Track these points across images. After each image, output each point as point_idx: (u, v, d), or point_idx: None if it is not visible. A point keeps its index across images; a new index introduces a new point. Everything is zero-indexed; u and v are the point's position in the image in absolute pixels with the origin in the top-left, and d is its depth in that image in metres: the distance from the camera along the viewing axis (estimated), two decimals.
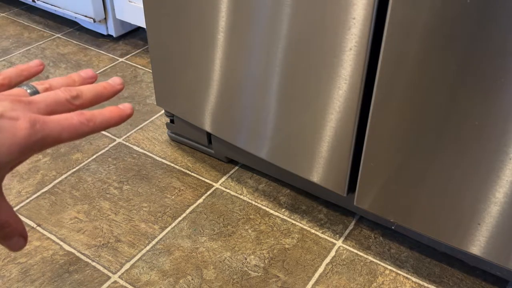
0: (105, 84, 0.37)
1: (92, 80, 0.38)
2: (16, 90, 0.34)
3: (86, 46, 1.53)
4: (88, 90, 0.35)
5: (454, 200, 0.71)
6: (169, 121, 1.12)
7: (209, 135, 1.06)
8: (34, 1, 1.58)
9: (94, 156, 1.10)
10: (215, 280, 0.84)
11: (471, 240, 0.73)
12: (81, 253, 0.89)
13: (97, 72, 1.40)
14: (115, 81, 0.37)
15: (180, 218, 0.96)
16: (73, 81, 0.37)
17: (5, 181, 1.03)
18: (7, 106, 0.30)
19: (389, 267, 0.87)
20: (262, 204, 0.99)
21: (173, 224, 0.95)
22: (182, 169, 1.07)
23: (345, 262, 0.88)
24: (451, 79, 0.63)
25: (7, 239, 0.33)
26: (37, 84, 0.35)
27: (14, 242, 0.33)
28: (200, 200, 1.00)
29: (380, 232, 0.94)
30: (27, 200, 0.99)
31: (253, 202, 0.99)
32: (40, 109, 0.32)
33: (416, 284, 0.85)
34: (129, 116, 0.35)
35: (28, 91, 0.34)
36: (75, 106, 0.34)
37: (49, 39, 1.57)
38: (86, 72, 0.38)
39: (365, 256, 0.89)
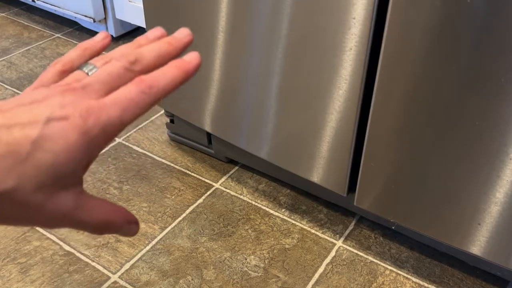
0: (170, 38, 0.31)
1: (162, 37, 0.32)
2: (71, 76, 0.29)
3: None
4: (149, 51, 0.30)
5: (454, 200, 0.71)
6: (169, 121, 1.12)
7: (209, 135, 1.06)
8: (34, 1, 1.58)
9: None
10: (215, 280, 0.84)
11: (471, 240, 0.73)
12: (81, 253, 0.89)
13: None
14: (182, 32, 0.31)
15: (180, 218, 0.96)
16: (139, 46, 0.31)
17: None
18: (55, 103, 0.26)
19: (389, 267, 0.87)
20: (262, 204, 0.99)
21: (173, 224, 0.95)
22: (182, 169, 1.07)
23: (345, 262, 0.88)
24: (451, 79, 0.63)
25: (117, 231, 0.30)
26: (96, 61, 0.30)
27: (125, 231, 0.30)
28: (200, 200, 1.00)
29: (380, 232, 0.94)
30: None
31: (253, 202, 0.99)
32: (97, 91, 0.27)
33: (416, 284, 0.84)
34: (197, 67, 0.29)
35: (86, 71, 0.29)
36: (136, 73, 0.29)
37: (49, 39, 1.56)
38: (153, 33, 0.32)
39: (365, 256, 0.89)
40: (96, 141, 0.26)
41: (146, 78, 0.28)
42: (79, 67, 0.30)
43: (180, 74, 0.29)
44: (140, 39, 0.31)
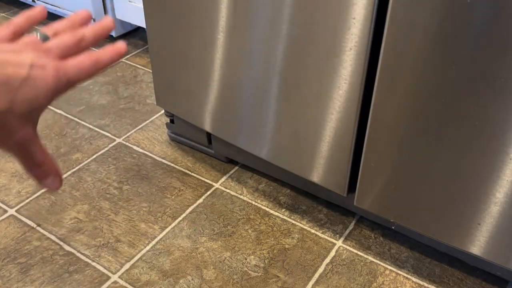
0: (100, 23, 0.42)
1: (88, 19, 0.43)
2: (30, 38, 0.38)
3: None
4: (89, 32, 0.40)
5: (454, 200, 0.71)
6: (169, 121, 1.12)
7: (209, 135, 1.06)
8: (34, 1, 1.58)
9: (94, 156, 1.10)
10: (215, 280, 0.84)
11: (471, 240, 0.73)
12: (81, 253, 0.89)
13: None
14: (106, 20, 0.42)
15: (180, 218, 0.96)
16: (74, 23, 0.42)
17: (5, 181, 1.03)
18: (33, 55, 0.35)
19: (389, 267, 0.87)
20: (262, 204, 0.99)
21: (173, 224, 0.95)
22: (182, 169, 1.07)
23: (345, 262, 0.88)
24: (451, 79, 0.63)
25: (43, 178, 0.37)
26: (46, 31, 0.39)
27: (50, 182, 0.38)
28: (200, 200, 1.00)
29: (380, 232, 0.94)
30: (27, 200, 0.99)
31: (253, 202, 0.99)
32: (56, 55, 0.37)
33: (416, 284, 0.84)
34: (125, 51, 0.40)
35: (39, 37, 0.38)
36: (81, 48, 0.39)
37: None
38: (82, 13, 0.43)
39: (365, 256, 0.89)
40: (60, 89, 0.36)
41: (93, 54, 0.38)
42: (33, 32, 0.39)
43: (115, 55, 0.40)
44: (72, 17, 0.42)
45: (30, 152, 0.36)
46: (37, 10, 0.42)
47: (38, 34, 0.39)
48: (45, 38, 0.39)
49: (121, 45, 0.41)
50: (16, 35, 0.40)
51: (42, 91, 0.34)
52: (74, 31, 0.40)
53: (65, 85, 0.36)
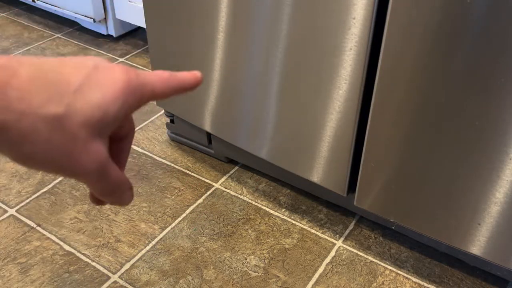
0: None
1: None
2: None
3: (86, 46, 1.53)
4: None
5: (454, 200, 0.71)
6: (169, 121, 1.12)
7: (209, 135, 1.06)
8: (34, 1, 1.58)
9: None
10: (215, 280, 0.84)
11: (471, 240, 0.73)
12: (81, 253, 0.89)
13: None
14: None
15: (180, 218, 0.96)
16: None
17: (5, 181, 1.03)
18: (100, 60, 0.30)
19: (389, 267, 0.87)
20: (262, 204, 0.99)
21: (173, 224, 0.95)
22: (182, 169, 1.07)
23: (345, 262, 0.88)
24: (451, 79, 0.63)
25: (120, 196, 0.32)
26: None
27: (126, 197, 0.33)
28: (200, 200, 1.00)
29: (380, 232, 0.94)
30: (27, 200, 0.99)
31: (253, 202, 0.99)
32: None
33: (416, 284, 0.84)
34: (201, 81, 0.38)
35: None
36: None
37: (49, 39, 1.56)
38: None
39: (365, 256, 0.89)
40: (134, 95, 0.30)
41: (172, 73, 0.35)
42: None
43: (191, 77, 0.38)
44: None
45: (107, 174, 0.30)
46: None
47: None
48: None
49: (197, 73, 0.38)
50: None
51: (109, 93, 0.29)
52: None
53: (138, 89, 0.31)
